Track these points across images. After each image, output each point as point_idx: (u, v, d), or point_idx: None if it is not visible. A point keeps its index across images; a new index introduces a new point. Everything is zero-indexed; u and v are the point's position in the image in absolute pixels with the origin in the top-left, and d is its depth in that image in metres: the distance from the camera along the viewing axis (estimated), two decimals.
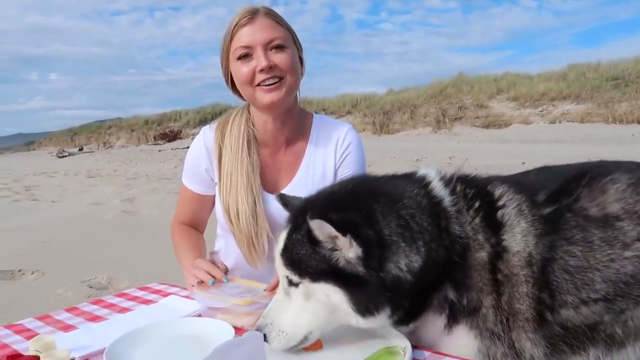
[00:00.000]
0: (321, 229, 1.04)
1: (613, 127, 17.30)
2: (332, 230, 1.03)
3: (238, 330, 1.31)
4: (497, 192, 1.22)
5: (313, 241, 1.08)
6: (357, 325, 1.11)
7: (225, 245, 1.88)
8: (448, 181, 1.24)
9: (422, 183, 1.22)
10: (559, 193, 1.20)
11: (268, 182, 1.78)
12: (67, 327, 1.44)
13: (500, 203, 1.19)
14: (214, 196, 1.84)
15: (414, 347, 1.13)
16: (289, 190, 1.76)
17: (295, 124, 1.82)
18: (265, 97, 1.65)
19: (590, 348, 1.16)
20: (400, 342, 1.13)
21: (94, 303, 1.66)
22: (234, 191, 1.71)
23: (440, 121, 22.06)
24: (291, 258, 1.12)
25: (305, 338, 1.13)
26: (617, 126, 17.51)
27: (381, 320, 1.10)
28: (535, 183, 1.25)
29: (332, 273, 1.07)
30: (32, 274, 4.69)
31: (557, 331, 1.13)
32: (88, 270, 4.57)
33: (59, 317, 1.54)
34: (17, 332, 1.42)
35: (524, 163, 9.34)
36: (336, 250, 1.07)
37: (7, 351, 1.29)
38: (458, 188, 1.22)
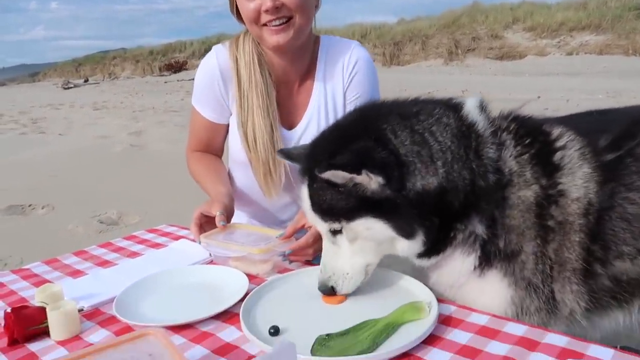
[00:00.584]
0: (335, 177, 1.01)
1: (633, 60, 16.63)
2: (346, 174, 1.00)
3: (252, 278, 1.25)
4: (555, 131, 1.12)
5: (334, 185, 1.04)
6: (403, 253, 1.09)
7: (239, 181, 1.79)
8: (487, 111, 1.14)
9: (452, 106, 1.14)
10: (621, 137, 1.10)
11: (283, 121, 1.67)
12: (76, 273, 1.40)
13: (559, 144, 1.09)
14: (228, 125, 1.73)
15: (439, 301, 1.07)
16: (301, 129, 1.68)
17: (307, 58, 1.68)
18: (272, 38, 1.51)
19: (637, 300, 1.10)
20: (426, 297, 1.07)
21: (102, 246, 1.61)
22: (251, 113, 1.60)
23: (453, 52, 21.36)
24: (322, 208, 1.08)
25: (367, 272, 1.13)
26: (638, 58, 16.85)
27: (419, 243, 1.06)
28: (594, 127, 1.14)
29: (363, 206, 1.03)
30: (42, 208, 4.70)
31: (605, 285, 1.07)
32: (98, 205, 4.57)
33: (67, 261, 1.49)
34: (24, 278, 1.37)
35: (539, 97, 9.07)
36: (357, 185, 1.02)
37: (14, 298, 1.25)
38: (503, 124, 1.13)
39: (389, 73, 18.16)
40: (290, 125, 1.69)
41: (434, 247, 1.08)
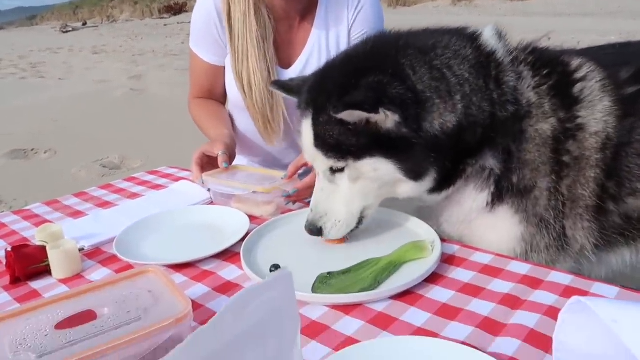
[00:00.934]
0: (351, 116, 0.95)
1: None
2: (363, 114, 0.93)
3: (253, 219, 1.24)
4: (575, 62, 1.06)
5: (344, 122, 0.98)
6: (405, 195, 1.06)
7: (239, 125, 1.75)
8: (505, 39, 1.08)
9: (469, 35, 1.08)
10: None
11: (280, 59, 1.60)
12: (76, 214, 1.39)
13: (579, 75, 1.04)
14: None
15: (443, 240, 1.06)
16: (299, 67, 1.61)
17: None
18: None
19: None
20: (429, 237, 1.05)
21: (103, 188, 1.60)
22: (245, 59, 1.53)
23: None
24: (327, 144, 1.01)
25: (361, 218, 1.08)
26: None
27: (428, 183, 1.03)
28: (615, 59, 1.09)
29: (374, 145, 0.98)
30: (45, 153, 4.70)
31: (616, 222, 1.05)
32: (100, 150, 4.55)
33: (67, 202, 1.48)
34: (25, 219, 1.37)
35: (549, 38, 8.78)
36: (371, 122, 0.97)
37: (15, 238, 1.25)
38: (521, 55, 1.07)
39: (394, 14, 17.60)
40: (287, 63, 1.62)
41: (445, 180, 1.04)
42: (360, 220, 1.08)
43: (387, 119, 0.94)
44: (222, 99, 1.75)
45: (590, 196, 1.02)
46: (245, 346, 0.36)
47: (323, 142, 1.02)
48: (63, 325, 0.70)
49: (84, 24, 28.51)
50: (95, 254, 1.13)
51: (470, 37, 1.07)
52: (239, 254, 1.04)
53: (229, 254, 1.08)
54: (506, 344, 0.73)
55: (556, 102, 1.03)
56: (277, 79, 1.54)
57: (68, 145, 4.80)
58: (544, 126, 1.02)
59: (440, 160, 1.00)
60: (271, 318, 0.38)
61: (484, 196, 1.06)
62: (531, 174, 1.03)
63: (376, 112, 0.92)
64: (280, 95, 1.51)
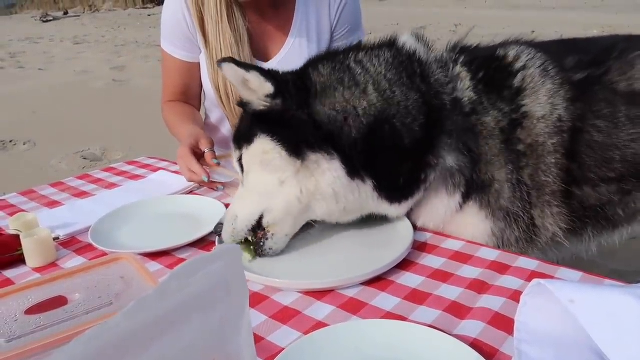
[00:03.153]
0: (232, 70, 0.97)
1: None
2: (240, 71, 0.96)
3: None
4: (511, 53, 1.07)
5: (242, 104, 1.03)
6: (329, 199, 0.98)
7: (216, 121, 1.74)
8: (425, 40, 1.10)
9: (386, 43, 1.08)
10: (589, 62, 1.06)
11: (257, 52, 1.58)
12: (52, 204, 1.38)
13: (518, 65, 1.05)
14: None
15: (415, 228, 1.07)
16: (282, 58, 1.59)
17: None
18: None
19: (589, 228, 1.10)
20: (402, 226, 1.07)
21: (80, 178, 1.59)
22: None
23: None
24: (235, 136, 1.07)
25: (260, 220, 0.99)
26: None
27: (329, 170, 0.96)
28: (560, 50, 1.10)
29: (260, 125, 0.99)
30: (24, 144, 4.63)
31: (577, 208, 1.06)
32: (81, 141, 4.51)
33: (43, 192, 1.47)
34: (0, 208, 1.36)
35: (533, 32, 8.86)
36: (253, 102, 1.00)
37: None
38: (452, 56, 1.08)
39: (381, 6, 17.57)
40: (265, 55, 1.60)
41: (400, 189, 1.01)
42: (257, 228, 0.99)
43: (261, 87, 0.96)
44: (197, 100, 1.71)
45: (555, 181, 1.03)
46: (190, 314, 0.37)
47: (235, 135, 1.08)
48: (33, 310, 0.70)
49: (65, 13, 28.01)
50: (71, 243, 1.13)
51: (388, 44, 1.08)
52: (214, 242, 1.05)
53: (205, 243, 1.08)
54: (471, 327, 0.75)
55: (496, 96, 1.03)
56: None
57: (48, 137, 4.75)
58: (486, 119, 1.02)
59: (345, 147, 0.96)
60: (217, 288, 0.39)
61: (456, 198, 1.05)
62: (486, 167, 1.02)
63: (248, 70, 0.96)
64: None
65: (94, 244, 1.08)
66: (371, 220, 1.09)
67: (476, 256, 0.97)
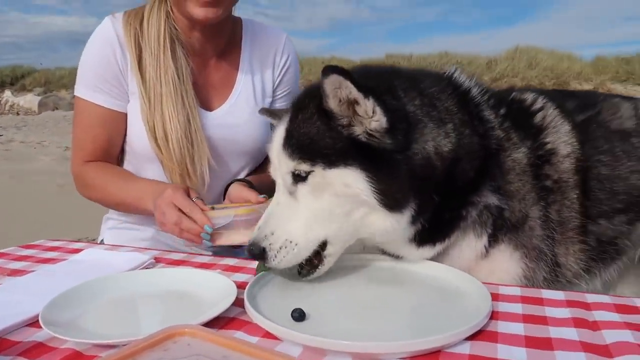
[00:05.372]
0: (340, 88, 0.83)
1: None
2: (353, 90, 0.83)
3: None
4: (529, 97, 1.12)
5: (326, 114, 0.88)
6: (374, 234, 0.93)
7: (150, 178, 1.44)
8: (475, 78, 1.11)
9: (441, 75, 1.09)
10: (583, 105, 1.15)
11: (200, 100, 1.42)
12: None
13: (537, 106, 1.10)
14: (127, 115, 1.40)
15: None
16: (225, 110, 1.45)
17: (227, 34, 1.48)
18: (199, 11, 1.28)
19: (600, 264, 1.10)
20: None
21: None
22: (159, 106, 1.32)
23: None
24: (298, 144, 0.90)
25: (320, 249, 0.91)
26: None
27: (405, 220, 0.91)
28: (558, 96, 1.17)
29: (351, 152, 0.87)
30: None
31: (594, 244, 1.06)
32: None
33: None
34: None
35: None
36: (354, 125, 0.87)
37: None
38: (483, 94, 1.09)
39: None
40: (209, 106, 1.45)
41: (437, 229, 0.96)
42: (316, 254, 0.91)
43: (372, 117, 0.86)
44: (118, 160, 1.47)
45: (577, 216, 1.04)
46: None
47: (293, 140, 0.91)
48: None
49: None
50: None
51: (444, 77, 1.08)
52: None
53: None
54: None
55: (522, 133, 1.06)
56: (200, 123, 1.36)
57: None
58: (517, 155, 1.04)
59: (425, 191, 0.92)
60: None
61: (483, 241, 1.01)
62: (520, 204, 1.01)
63: (365, 95, 0.84)
64: (203, 141, 1.35)
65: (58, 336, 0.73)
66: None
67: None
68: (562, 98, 1.15)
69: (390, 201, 0.88)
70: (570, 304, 0.85)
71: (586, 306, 0.84)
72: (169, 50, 1.34)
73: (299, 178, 0.89)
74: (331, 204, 0.89)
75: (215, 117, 1.43)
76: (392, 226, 0.92)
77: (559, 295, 0.89)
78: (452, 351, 0.70)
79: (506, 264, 1.01)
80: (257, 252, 0.88)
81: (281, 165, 0.92)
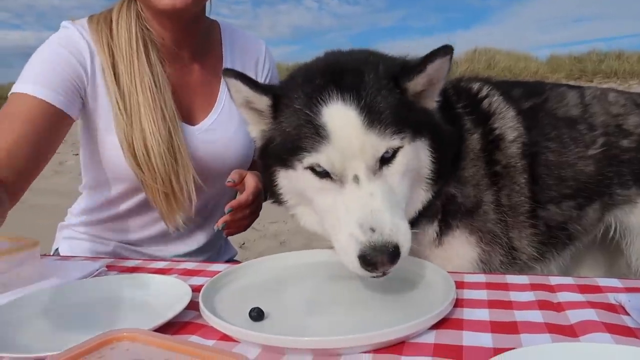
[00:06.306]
0: (441, 62, 0.88)
1: None
2: (446, 60, 0.88)
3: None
4: (474, 85, 1.14)
5: (398, 88, 0.87)
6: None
7: (119, 192, 1.32)
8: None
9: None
10: (530, 92, 1.16)
11: (181, 111, 1.29)
12: None
13: (482, 94, 1.11)
14: (71, 124, 1.20)
15: None
16: (213, 123, 1.33)
17: (202, 35, 1.36)
18: (166, 0, 1.15)
19: (553, 249, 1.12)
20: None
21: None
22: (137, 119, 1.18)
23: None
24: (385, 118, 0.82)
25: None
26: None
27: (428, 195, 0.95)
28: (505, 84, 1.18)
29: (427, 126, 0.90)
30: None
31: (543, 229, 1.07)
32: None
33: None
34: None
35: None
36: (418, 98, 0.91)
37: None
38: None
39: None
40: (190, 119, 1.32)
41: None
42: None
43: (434, 100, 0.93)
44: (24, 180, 1.11)
45: (525, 202, 1.05)
46: None
47: (379, 117, 0.82)
48: None
49: None
50: None
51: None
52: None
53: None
54: None
55: (474, 120, 1.06)
56: (182, 138, 1.23)
57: None
58: (471, 142, 1.04)
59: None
60: None
61: (434, 227, 1.00)
62: (474, 190, 1.01)
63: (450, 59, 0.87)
64: (187, 156, 1.22)
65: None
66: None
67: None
68: (507, 86, 1.17)
69: (439, 176, 0.92)
70: (534, 287, 0.84)
71: (550, 288, 0.83)
72: (143, 54, 1.21)
73: (386, 160, 0.83)
74: (410, 180, 0.87)
75: (198, 132, 1.31)
76: (421, 199, 0.94)
77: (523, 279, 0.88)
78: (417, 341, 0.68)
79: (462, 249, 1.01)
80: (393, 250, 0.75)
81: (367, 151, 0.81)
